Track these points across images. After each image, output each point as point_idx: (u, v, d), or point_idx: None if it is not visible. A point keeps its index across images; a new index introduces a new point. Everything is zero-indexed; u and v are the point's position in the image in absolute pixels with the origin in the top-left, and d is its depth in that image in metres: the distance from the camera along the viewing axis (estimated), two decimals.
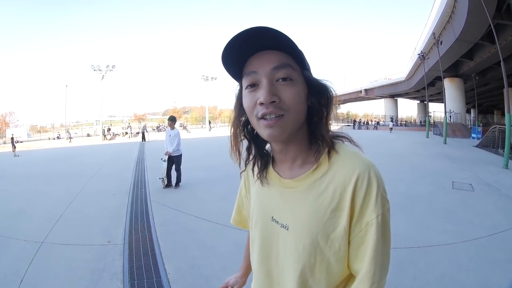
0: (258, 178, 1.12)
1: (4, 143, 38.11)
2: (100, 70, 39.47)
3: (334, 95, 0.99)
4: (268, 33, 0.86)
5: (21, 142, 31.14)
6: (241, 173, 1.28)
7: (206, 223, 6.00)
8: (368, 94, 69.62)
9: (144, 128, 33.63)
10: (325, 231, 0.93)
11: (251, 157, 1.13)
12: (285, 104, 0.89)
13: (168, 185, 9.22)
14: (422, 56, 34.01)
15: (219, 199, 7.68)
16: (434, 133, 32.31)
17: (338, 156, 0.96)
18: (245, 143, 1.10)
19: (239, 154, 1.09)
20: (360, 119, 67.34)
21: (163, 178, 9.32)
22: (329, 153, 0.97)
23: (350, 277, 0.99)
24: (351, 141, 1.03)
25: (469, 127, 33.49)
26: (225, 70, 0.99)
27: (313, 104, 0.96)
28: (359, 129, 50.86)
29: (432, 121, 36.97)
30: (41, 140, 41.04)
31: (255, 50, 0.93)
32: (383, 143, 22.65)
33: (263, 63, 0.91)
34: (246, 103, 0.96)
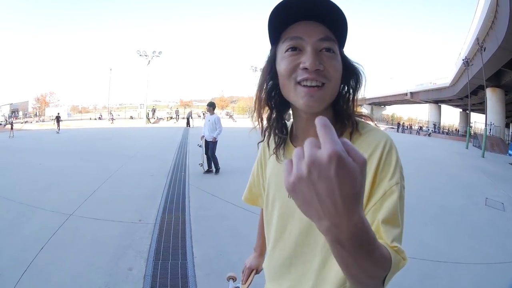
0: (274, 153, 1.14)
1: (43, 121, 40.22)
2: (146, 55, 40.81)
3: (364, 78, 1.01)
4: (323, 3, 0.88)
5: (62, 120, 32.48)
6: (258, 143, 1.29)
7: (241, 211, 5.98)
8: (413, 98, 68.21)
9: (190, 114, 34.28)
10: None
11: (271, 127, 1.12)
12: (329, 73, 0.91)
13: (209, 170, 9.32)
14: (466, 62, 32.84)
15: None
16: (473, 145, 30.92)
17: (359, 135, 0.98)
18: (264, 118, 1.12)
19: (262, 120, 1.12)
20: (404, 123, 65.76)
21: (202, 164, 9.48)
22: (351, 133, 0.99)
23: None
24: (372, 120, 1.06)
25: (507, 142, 31.65)
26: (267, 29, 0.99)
27: (345, 81, 1.00)
28: (402, 132, 49.59)
29: (472, 132, 35.53)
30: (82, 120, 42.70)
31: (301, 17, 0.93)
32: (423, 149, 22.35)
33: (310, 32, 0.92)
34: (284, 65, 0.95)
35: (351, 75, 1.00)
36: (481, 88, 34.19)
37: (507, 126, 51.54)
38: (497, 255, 4.88)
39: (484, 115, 28.56)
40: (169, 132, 24.54)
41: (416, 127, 60.75)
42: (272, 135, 1.13)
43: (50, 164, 10.33)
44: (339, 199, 0.48)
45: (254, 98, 1.09)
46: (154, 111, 45.41)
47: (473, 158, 19.51)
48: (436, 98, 60.04)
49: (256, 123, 1.12)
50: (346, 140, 0.51)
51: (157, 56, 40.91)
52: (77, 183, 7.75)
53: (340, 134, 0.97)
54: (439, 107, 68.06)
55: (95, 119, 44.06)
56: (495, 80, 33.39)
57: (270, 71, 1.02)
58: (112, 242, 4.49)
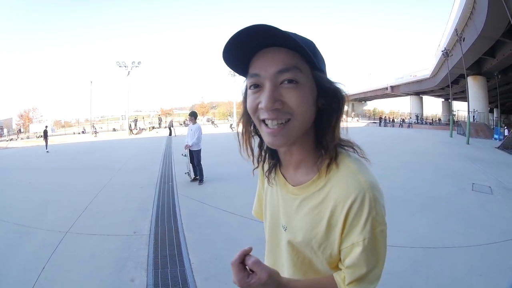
0: (266, 177, 1.20)
1: (28, 137, 39.70)
2: (125, 66, 40.93)
3: (346, 99, 0.97)
4: (272, 31, 0.83)
5: (48, 136, 32.02)
6: (254, 170, 1.28)
7: (232, 217, 6.18)
8: (394, 91, 69.02)
9: (171, 123, 34.27)
10: (318, 240, 0.99)
11: (262, 153, 1.17)
12: (290, 108, 0.89)
13: (196, 178, 9.44)
14: (446, 53, 33.44)
15: (246, 193, 7.63)
16: (457, 133, 31.37)
17: (337, 171, 0.97)
18: (256, 139, 1.12)
19: (252, 150, 1.13)
20: (386, 116, 66.49)
21: (188, 173, 9.62)
22: (328, 166, 0.98)
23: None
24: (358, 151, 1.03)
25: (492, 127, 32.29)
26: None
27: (323, 106, 0.95)
28: (384, 126, 50.14)
29: (456, 120, 36.16)
30: (65, 134, 42.24)
31: (261, 47, 0.91)
32: (408, 142, 22.58)
33: (268, 64, 0.90)
34: (248, 104, 0.97)
35: (329, 96, 0.95)
36: (462, 77, 34.54)
37: (491, 111, 52.42)
38: (488, 237, 5.07)
39: (466, 103, 28.98)
40: (153, 142, 24.54)
41: (398, 120, 61.21)
42: (266, 160, 1.18)
43: (40, 182, 10.37)
44: None
45: (239, 131, 1.11)
46: (136, 121, 45.21)
47: (458, 145, 19.85)
48: (417, 90, 60.73)
49: (247, 155, 1.13)
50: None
51: (136, 66, 40.95)
52: (69, 199, 7.84)
53: (318, 166, 1.01)
54: (421, 99, 69.06)
55: (79, 133, 43.62)
56: (476, 68, 34.01)
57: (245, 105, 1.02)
58: (111, 255, 4.64)
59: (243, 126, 1.10)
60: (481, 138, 27.41)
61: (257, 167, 1.24)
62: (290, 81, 0.88)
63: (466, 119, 25.28)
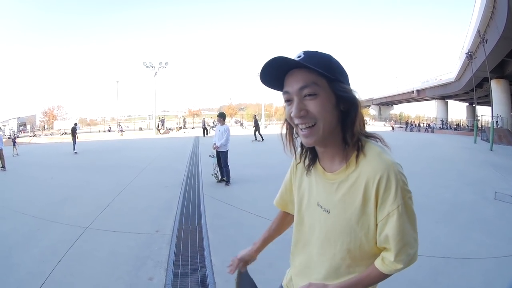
0: (306, 169, 1.41)
1: (51, 134, 40.79)
2: (152, 67, 41.39)
3: (359, 104, 1.19)
4: (287, 61, 1.13)
5: (68, 134, 32.60)
6: (296, 164, 1.51)
7: (257, 219, 6.05)
8: (419, 95, 68.37)
9: (204, 123, 34.35)
10: (357, 215, 1.20)
11: (303, 151, 1.41)
12: (313, 115, 1.15)
13: (222, 179, 9.38)
14: (470, 56, 32.67)
15: (272, 196, 7.56)
16: (481, 139, 30.61)
17: (364, 158, 1.19)
18: (299, 139, 1.32)
19: (295, 148, 1.38)
20: (412, 121, 65.59)
21: (215, 174, 9.57)
22: (357, 153, 1.20)
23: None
24: (381, 141, 1.26)
25: None
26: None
27: (345, 109, 1.18)
28: (411, 131, 49.27)
29: (480, 126, 35.22)
30: (90, 132, 43.02)
31: (290, 67, 1.18)
32: (433, 146, 22.23)
33: (293, 83, 1.17)
34: (286, 114, 1.25)
35: (346, 101, 1.17)
36: (486, 80, 33.93)
37: None
38: (508, 248, 4.88)
39: (490, 108, 28.39)
40: (180, 143, 24.71)
41: (424, 124, 60.44)
42: (307, 156, 1.40)
43: (62, 178, 10.57)
44: None
45: (282, 133, 1.36)
46: (163, 121, 45.70)
47: (481, 152, 19.49)
48: (442, 94, 60.14)
49: (291, 153, 1.40)
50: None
51: (163, 67, 41.41)
52: (92, 196, 7.90)
53: (348, 155, 1.23)
54: (446, 103, 68.58)
55: (104, 131, 44.45)
56: (499, 71, 33.29)
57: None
58: (131, 253, 4.59)
59: (287, 129, 1.35)
60: (504, 144, 26.72)
61: (299, 162, 1.46)
62: (310, 94, 1.15)
63: (490, 125, 24.75)
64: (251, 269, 1.84)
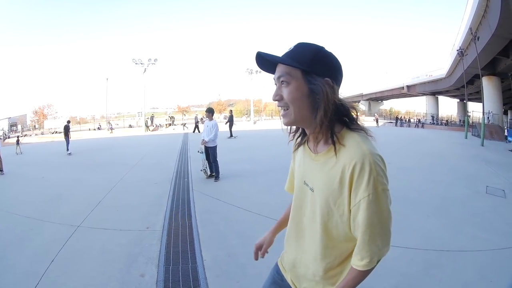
0: (297, 147, 1.61)
1: (42, 133, 40.59)
2: (142, 63, 41.15)
3: (326, 95, 1.29)
4: (266, 57, 1.38)
5: (59, 132, 32.28)
6: (289, 142, 1.66)
7: (248, 214, 6.14)
8: (410, 91, 68.95)
9: (197, 119, 34.24)
10: (334, 196, 1.32)
11: (296, 131, 1.60)
12: (285, 100, 1.37)
13: (211, 175, 9.44)
14: (461, 53, 33.17)
15: (262, 191, 7.83)
16: (472, 134, 30.81)
17: (346, 143, 1.31)
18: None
19: (290, 129, 1.60)
20: (402, 116, 65.87)
21: (204, 169, 9.62)
22: (334, 141, 1.32)
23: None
24: (366, 132, 1.36)
25: (506, 129, 31.60)
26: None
27: (317, 99, 1.31)
28: (401, 126, 49.39)
29: (471, 122, 35.55)
30: (81, 130, 42.60)
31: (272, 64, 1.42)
32: (423, 142, 22.43)
33: (275, 73, 1.41)
34: None
35: (315, 92, 1.31)
36: (477, 77, 34.43)
37: (505, 113, 51.62)
38: (500, 241, 4.99)
39: (481, 104, 28.62)
40: (169, 139, 24.66)
41: (414, 120, 60.71)
42: (298, 136, 1.60)
43: (52, 176, 10.59)
44: None
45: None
46: (152, 118, 45.55)
47: (472, 147, 19.73)
48: (433, 90, 60.86)
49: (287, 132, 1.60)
50: None
51: (152, 63, 41.09)
52: (82, 194, 7.94)
53: (329, 140, 1.35)
54: (437, 99, 69.52)
55: (94, 129, 44.11)
56: (491, 68, 33.69)
57: None
58: (122, 250, 4.64)
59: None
60: (495, 140, 27.01)
61: (291, 140, 1.63)
62: (283, 81, 1.36)
63: (481, 121, 25.02)
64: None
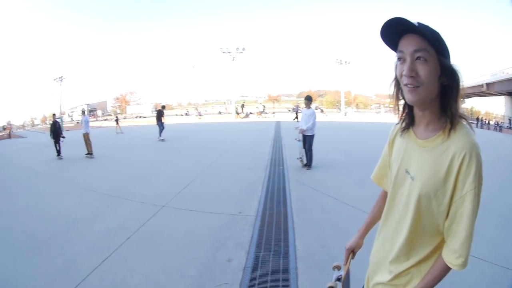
0: (402, 131, 1.46)
1: (125, 118, 44.50)
2: (229, 52, 42.55)
3: (461, 79, 1.27)
4: (404, 22, 1.20)
5: (145, 117, 33.82)
6: (396, 124, 1.55)
7: (342, 205, 5.78)
8: (489, 89, 62.66)
9: (297, 108, 34.21)
10: (436, 185, 1.24)
11: (404, 113, 1.45)
12: (421, 79, 1.22)
13: (306, 164, 9.17)
14: None
15: (356, 183, 7.33)
16: None
17: (456, 132, 1.24)
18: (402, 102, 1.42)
19: (398, 108, 1.44)
20: (482, 117, 60.01)
21: (301, 158, 9.37)
22: (450, 128, 1.25)
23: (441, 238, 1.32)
24: (469, 123, 1.28)
25: None
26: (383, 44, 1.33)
27: (445, 83, 1.24)
28: (481, 128, 44.40)
29: None
30: (168, 116, 44.34)
31: (405, 32, 1.24)
32: (500, 147, 20.08)
33: (408, 45, 1.23)
34: (397, 72, 1.30)
35: (449, 76, 1.23)
36: None
37: None
38: None
39: None
40: (260, 127, 24.86)
41: (493, 122, 55.26)
42: (405, 119, 1.45)
43: (137, 157, 11.09)
44: None
45: (391, 93, 1.43)
46: (243, 106, 46.33)
47: None
48: (510, 89, 54.99)
49: (395, 113, 1.46)
50: None
51: (240, 52, 42.44)
52: (171, 176, 8.04)
53: (442, 126, 1.27)
54: None
55: (181, 115, 45.74)
56: None
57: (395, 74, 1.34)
58: (210, 233, 4.49)
59: (395, 88, 1.39)
60: None
61: (398, 123, 1.50)
62: (420, 58, 1.21)
63: None
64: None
